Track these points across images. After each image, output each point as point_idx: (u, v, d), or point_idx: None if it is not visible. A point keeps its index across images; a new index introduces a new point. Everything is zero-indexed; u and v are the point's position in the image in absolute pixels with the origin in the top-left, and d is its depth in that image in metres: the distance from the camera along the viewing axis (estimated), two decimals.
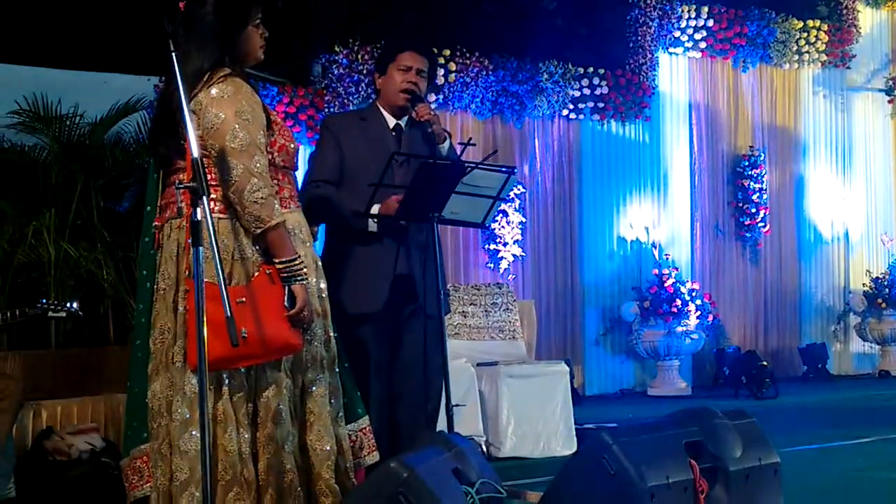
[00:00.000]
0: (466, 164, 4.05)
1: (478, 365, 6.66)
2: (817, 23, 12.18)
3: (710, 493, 3.36)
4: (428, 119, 4.25)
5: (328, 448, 3.34)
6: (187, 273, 3.17)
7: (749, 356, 10.47)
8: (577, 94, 10.58)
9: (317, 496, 3.31)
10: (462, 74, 9.83)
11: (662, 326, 10.40)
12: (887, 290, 12.03)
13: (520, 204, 10.29)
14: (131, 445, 3.38)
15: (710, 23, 11.39)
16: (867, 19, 12.91)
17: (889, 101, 13.04)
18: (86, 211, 7.35)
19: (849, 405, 9.37)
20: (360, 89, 9.14)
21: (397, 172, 4.12)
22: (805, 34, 12.10)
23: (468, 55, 9.86)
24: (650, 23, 11.03)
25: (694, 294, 10.58)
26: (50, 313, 5.04)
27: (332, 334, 3.47)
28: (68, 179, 7.35)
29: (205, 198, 2.90)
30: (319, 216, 4.17)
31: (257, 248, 3.22)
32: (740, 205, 11.79)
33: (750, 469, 3.48)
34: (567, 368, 6.93)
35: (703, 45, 11.50)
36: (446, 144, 4.30)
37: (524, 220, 10.35)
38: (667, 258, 10.83)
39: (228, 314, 2.86)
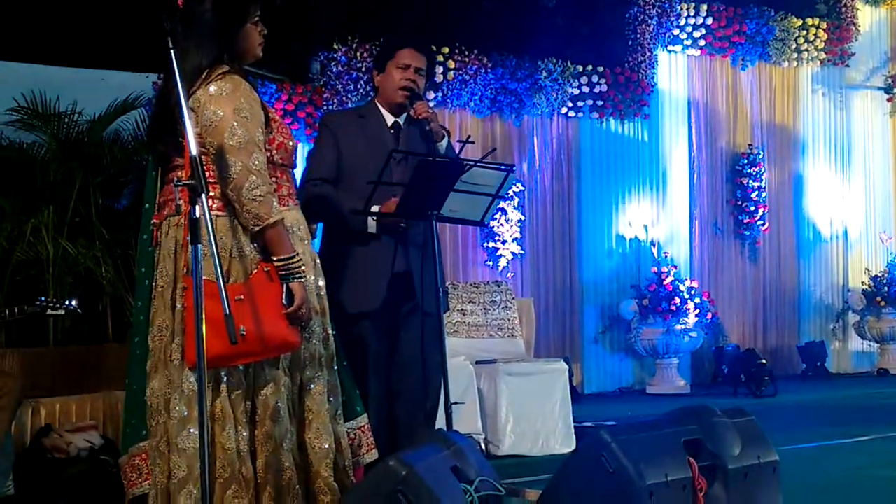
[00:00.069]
0: (465, 162, 4.05)
1: (476, 363, 6.66)
2: (816, 21, 12.18)
3: (708, 492, 3.35)
4: (426, 117, 4.25)
5: (327, 446, 3.33)
6: (185, 270, 3.16)
7: (748, 354, 10.47)
8: (576, 91, 10.58)
9: (315, 494, 3.31)
10: (461, 72, 9.82)
11: (661, 324, 10.40)
12: (886, 288, 12.03)
13: (519, 202, 10.29)
14: (130, 443, 3.38)
15: (710, 21, 11.38)
16: (866, 17, 12.91)
17: (888, 100, 13.04)
18: (84, 208, 7.34)
19: (847, 403, 9.38)
20: (358, 87, 9.13)
21: (395, 170, 4.12)
22: (804, 32, 12.10)
23: (467, 53, 9.86)
24: (649, 21, 11.02)
25: (693, 292, 10.58)
26: (48, 311, 5.04)
27: (330, 332, 3.47)
28: (67, 177, 7.34)
29: (203, 195, 2.89)
30: (318, 215, 4.16)
31: (255, 245, 3.22)
32: (739, 203, 11.79)
33: (749, 467, 3.48)
34: (566, 366, 6.93)
35: (702, 43, 11.50)
36: (444, 142, 4.30)
37: (523, 217, 10.34)
38: (666, 256, 10.83)
39: (227, 311, 2.86)
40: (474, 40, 9.93)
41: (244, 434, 3.17)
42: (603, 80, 10.65)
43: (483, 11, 10.25)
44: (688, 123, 11.61)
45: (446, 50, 9.70)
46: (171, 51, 3.01)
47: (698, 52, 11.61)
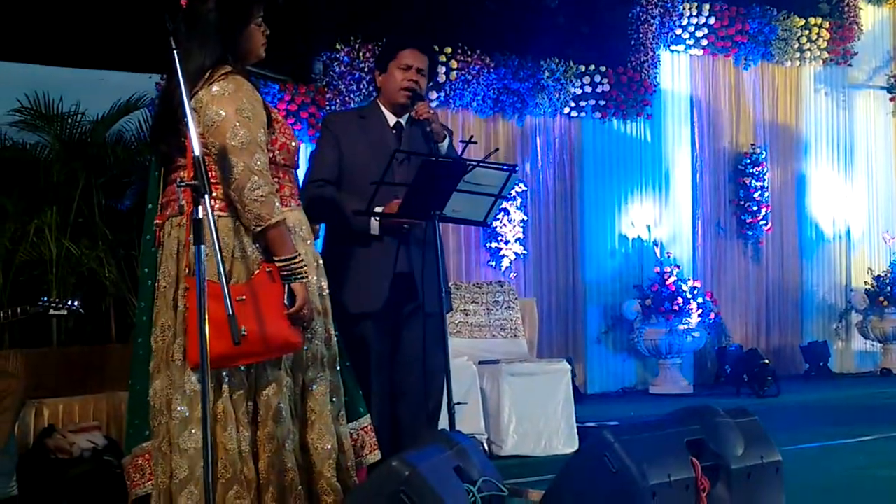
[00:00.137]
0: (468, 162, 4.05)
1: (479, 363, 6.66)
2: (819, 20, 12.16)
3: (711, 492, 3.35)
4: (427, 118, 4.25)
5: (329, 447, 3.34)
6: (187, 271, 3.17)
7: (751, 354, 10.46)
8: (579, 91, 10.57)
9: (318, 495, 3.31)
10: (463, 72, 9.82)
11: (664, 324, 10.39)
12: (889, 287, 12.02)
13: (521, 202, 10.29)
14: (133, 443, 3.38)
15: (712, 20, 11.37)
16: (869, 17, 12.89)
17: (891, 99, 13.02)
18: (87, 209, 7.35)
19: (850, 403, 9.37)
20: (361, 87, 9.13)
21: (397, 171, 4.12)
22: (807, 32, 12.08)
23: (469, 53, 9.85)
24: (652, 20, 11.01)
25: (695, 292, 10.57)
26: (51, 311, 5.04)
27: (333, 333, 3.47)
28: (70, 177, 7.35)
29: (206, 196, 2.90)
30: (320, 215, 4.17)
31: (258, 246, 3.22)
32: (742, 202, 11.77)
33: (752, 467, 3.48)
34: (568, 367, 6.93)
35: (704, 42, 11.49)
36: (445, 143, 4.30)
37: (526, 218, 10.34)
38: (668, 256, 10.82)
39: (230, 312, 2.86)
40: (477, 40, 9.92)
41: (246, 435, 3.18)
42: (605, 80, 10.65)
43: (485, 11, 10.25)
44: (690, 123, 11.59)
45: (449, 50, 9.70)
46: (174, 51, 3.01)
47: (701, 52, 11.59)
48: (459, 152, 4.21)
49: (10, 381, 4.94)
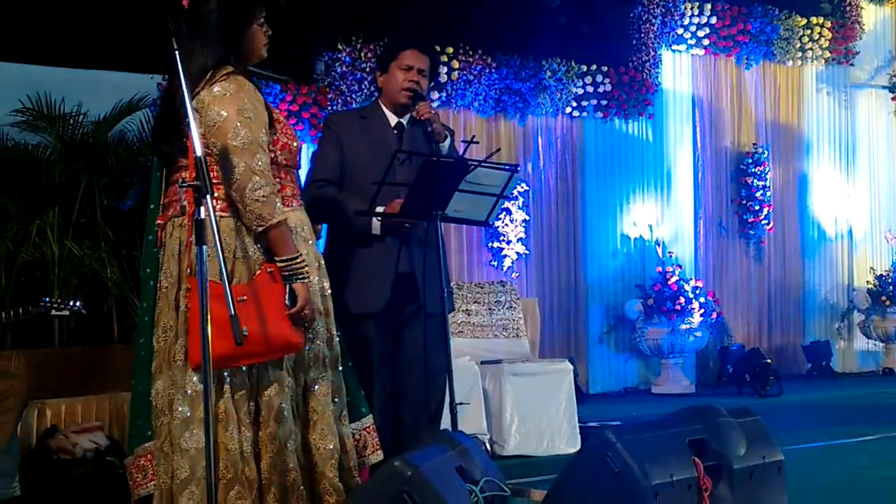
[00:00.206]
0: (470, 162, 4.05)
1: (481, 363, 6.66)
2: (821, 20, 12.16)
3: (714, 491, 3.36)
4: (428, 118, 4.26)
5: (331, 447, 3.34)
6: (189, 271, 3.17)
7: (753, 354, 10.45)
8: (581, 91, 10.57)
9: (321, 495, 3.31)
10: (465, 72, 9.82)
11: (666, 324, 10.39)
12: (891, 287, 12.01)
13: (523, 202, 10.29)
14: (135, 444, 3.38)
15: (714, 20, 11.37)
16: (871, 16, 12.88)
17: (893, 98, 13.00)
18: (89, 209, 7.35)
19: (853, 403, 9.36)
20: (363, 87, 9.14)
21: (399, 171, 4.13)
22: (808, 31, 12.08)
23: (471, 53, 9.85)
24: (653, 20, 11.01)
25: (697, 292, 10.57)
26: (53, 311, 5.05)
27: (335, 333, 3.48)
28: (72, 178, 7.35)
29: (208, 196, 2.90)
30: (322, 216, 4.16)
31: (259, 246, 3.23)
32: (744, 202, 11.77)
33: (754, 467, 3.48)
34: (571, 366, 6.92)
35: (706, 42, 11.48)
36: (446, 143, 4.30)
37: (527, 217, 10.34)
38: (670, 256, 10.82)
39: (232, 312, 2.86)
40: (478, 40, 9.92)
41: (247, 435, 3.18)
42: (607, 80, 10.64)
43: (487, 11, 10.25)
44: (692, 123, 11.59)
45: (450, 50, 9.70)
46: (176, 52, 3.01)
47: (702, 52, 11.59)
48: (461, 152, 4.21)
49: (13, 382, 4.94)
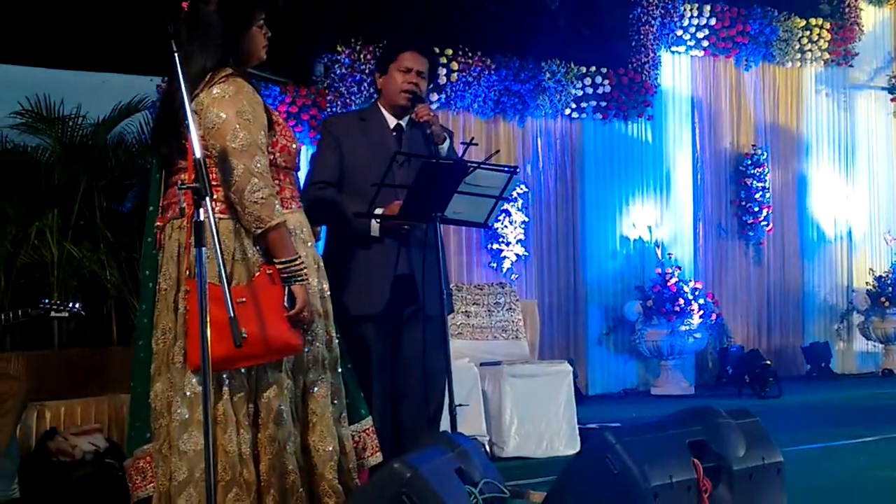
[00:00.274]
0: (469, 164, 4.05)
1: (481, 365, 6.66)
2: (820, 21, 12.17)
3: (713, 493, 3.36)
4: (427, 120, 4.25)
5: (331, 449, 3.34)
6: (188, 273, 3.17)
7: (752, 355, 10.46)
8: (580, 93, 10.57)
9: (320, 497, 3.31)
10: (464, 74, 9.82)
11: (665, 326, 10.39)
12: (890, 288, 12.01)
13: (522, 203, 10.29)
14: (135, 446, 3.38)
15: (713, 21, 11.37)
16: (870, 17, 12.89)
17: (892, 100, 13.01)
18: (88, 211, 7.35)
19: (852, 404, 9.36)
20: (362, 89, 9.14)
21: (398, 173, 4.13)
22: (807, 32, 12.09)
23: (470, 54, 9.85)
24: (652, 21, 11.01)
25: (697, 293, 10.57)
26: (53, 313, 5.04)
27: (334, 335, 3.48)
28: (71, 180, 7.35)
29: (207, 198, 2.90)
30: (321, 218, 4.17)
31: (258, 248, 3.23)
32: (743, 203, 11.77)
33: (753, 468, 3.49)
34: (570, 368, 6.92)
35: (705, 43, 11.49)
36: (445, 145, 4.30)
37: (527, 219, 10.34)
38: (670, 257, 10.82)
39: (232, 314, 2.86)
40: (477, 42, 9.93)
41: (246, 437, 3.18)
42: (606, 81, 10.65)
43: (486, 13, 10.25)
44: (691, 124, 11.60)
45: (450, 52, 9.70)
46: (175, 54, 3.02)
47: (702, 53, 11.60)
48: (460, 154, 4.21)
49: (12, 384, 4.94)
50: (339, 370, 3.48)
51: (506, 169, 4.18)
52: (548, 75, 10.28)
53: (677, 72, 11.50)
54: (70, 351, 6.53)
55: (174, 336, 3.21)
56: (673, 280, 10.44)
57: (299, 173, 3.64)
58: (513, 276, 10.15)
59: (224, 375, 3.15)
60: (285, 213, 3.28)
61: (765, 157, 11.88)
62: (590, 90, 10.60)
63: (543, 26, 10.45)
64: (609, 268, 10.96)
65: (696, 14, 11.29)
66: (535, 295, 10.22)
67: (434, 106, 9.31)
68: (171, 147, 3.28)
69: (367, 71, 9.02)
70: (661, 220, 11.23)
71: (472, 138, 4.40)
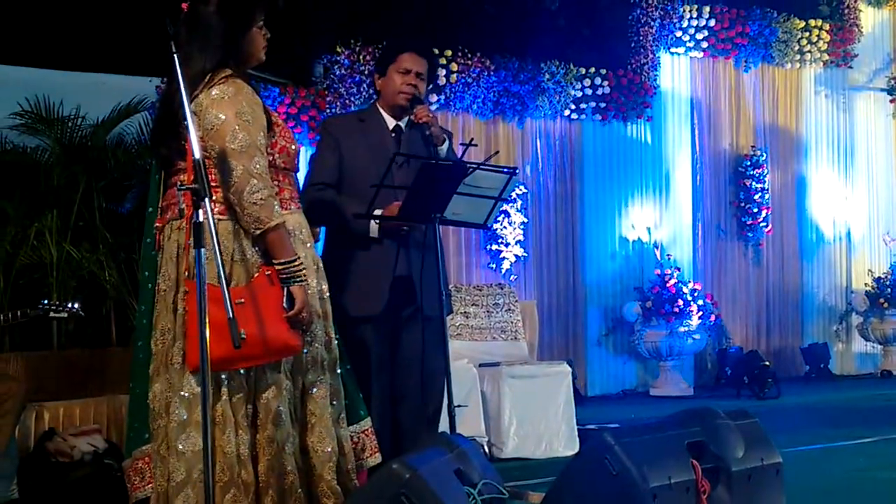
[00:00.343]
0: (468, 165, 4.06)
1: (480, 366, 6.66)
2: (819, 22, 12.17)
3: (712, 494, 3.36)
4: (426, 121, 4.25)
5: (329, 450, 3.34)
6: (187, 274, 3.17)
7: (751, 356, 10.46)
8: (579, 94, 10.57)
9: (318, 498, 3.31)
10: (464, 75, 9.82)
11: (664, 327, 10.39)
12: (889, 289, 12.01)
13: (521, 204, 10.29)
14: (133, 446, 3.39)
15: (712, 22, 11.38)
16: (869, 19, 12.89)
17: (891, 101, 13.02)
18: (88, 212, 7.35)
19: (851, 405, 9.36)
20: (361, 90, 9.14)
21: (397, 174, 4.13)
22: (807, 34, 12.09)
23: (470, 55, 9.86)
24: (652, 23, 11.02)
25: (696, 294, 10.57)
26: (51, 314, 5.04)
27: (333, 336, 3.48)
28: (70, 181, 7.34)
29: (206, 199, 2.90)
30: (320, 219, 4.17)
31: (257, 249, 3.23)
32: (742, 205, 11.78)
33: (752, 469, 3.49)
34: (569, 369, 6.92)
35: (704, 44, 11.49)
36: (445, 146, 4.30)
37: (526, 220, 10.34)
38: (669, 258, 10.82)
39: (231, 315, 2.87)
40: (477, 43, 9.93)
41: (245, 438, 3.18)
42: (606, 83, 10.65)
43: (486, 14, 10.25)
44: (691, 125, 11.60)
45: (449, 52, 9.70)
46: (175, 55, 3.02)
47: (701, 54, 11.60)
48: (459, 155, 4.21)
49: (11, 385, 4.94)
50: (339, 371, 3.49)
51: (505, 170, 4.18)
52: (547, 76, 10.28)
53: (677, 73, 11.51)
54: (69, 352, 6.53)
55: (173, 337, 3.21)
56: (672, 281, 10.44)
57: (298, 174, 3.64)
58: (512, 276, 10.15)
59: (223, 376, 3.15)
60: (284, 214, 3.28)
61: (764, 158, 11.88)
62: (589, 91, 10.61)
63: (543, 27, 10.45)
64: (608, 269, 10.96)
65: (695, 15, 11.30)
66: (535, 296, 10.22)
67: (433, 107, 9.31)
68: (171, 148, 3.29)
69: (366, 72, 9.02)
70: (660, 221, 11.23)
71: (472, 139, 4.40)
